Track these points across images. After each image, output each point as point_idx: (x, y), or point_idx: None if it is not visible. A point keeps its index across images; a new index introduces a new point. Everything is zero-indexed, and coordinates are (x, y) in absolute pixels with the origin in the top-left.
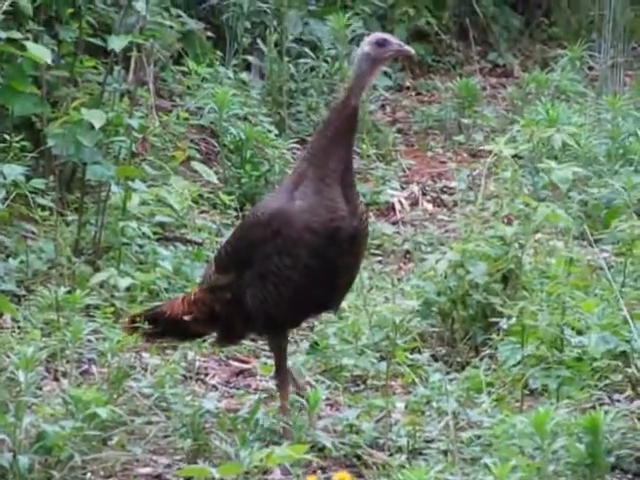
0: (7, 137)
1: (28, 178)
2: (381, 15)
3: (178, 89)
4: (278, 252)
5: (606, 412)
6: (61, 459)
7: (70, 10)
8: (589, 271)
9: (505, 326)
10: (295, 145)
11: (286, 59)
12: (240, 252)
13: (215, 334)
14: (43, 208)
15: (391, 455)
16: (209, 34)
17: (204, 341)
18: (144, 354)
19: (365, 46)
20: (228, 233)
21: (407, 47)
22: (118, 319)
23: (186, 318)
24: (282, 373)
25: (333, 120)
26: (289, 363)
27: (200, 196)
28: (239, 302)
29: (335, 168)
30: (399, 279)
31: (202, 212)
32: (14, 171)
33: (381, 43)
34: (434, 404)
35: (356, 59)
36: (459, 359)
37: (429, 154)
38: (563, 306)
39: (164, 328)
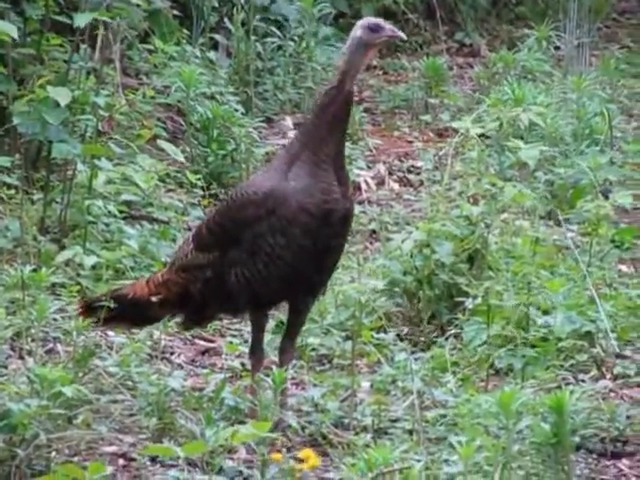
0: None
1: None
2: None
3: (145, 67)
4: (272, 231)
5: (571, 392)
6: (26, 437)
7: None
8: (555, 251)
9: (471, 306)
10: (261, 124)
11: (253, 38)
12: (228, 230)
13: (181, 316)
14: (9, 186)
15: (356, 434)
16: (176, 12)
17: (169, 320)
18: (109, 333)
19: (357, 30)
20: (195, 212)
21: (399, 32)
22: (84, 297)
23: (154, 299)
24: (258, 352)
25: (328, 104)
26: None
27: (166, 175)
28: (221, 280)
29: (329, 152)
30: (365, 258)
31: (168, 191)
32: None
33: (373, 28)
34: (399, 383)
35: (348, 43)
36: (424, 339)
37: (396, 134)
38: (529, 286)
39: (123, 311)
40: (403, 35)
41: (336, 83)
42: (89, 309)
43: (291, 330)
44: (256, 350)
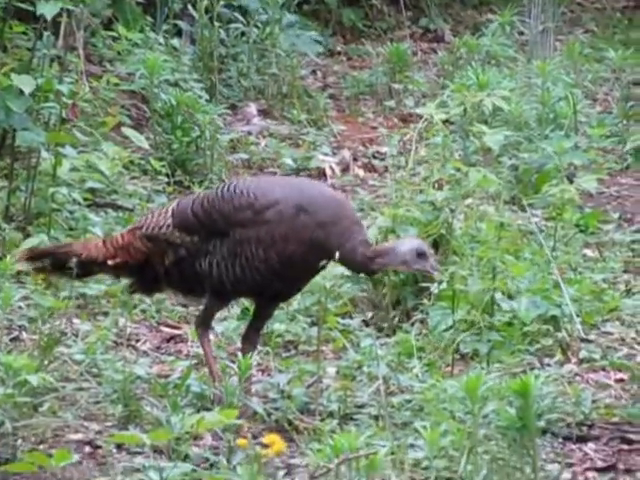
0: None
1: None
2: None
3: (108, 55)
4: (257, 241)
5: (536, 376)
6: None
7: None
8: (519, 236)
9: (436, 291)
10: (226, 111)
11: (217, 24)
12: (215, 221)
13: (130, 280)
14: None
15: (322, 420)
16: (139, 0)
17: (135, 307)
18: (75, 320)
19: (406, 248)
20: (160, 199)
21: (437, 271)
22: (49, 286)
23: (110, 263)
24: (207, 324)
25: (352, 256)
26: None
27: (131, 162)
28: (193, 264)
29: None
30: None
31: (133, 178)
32: None
33: (421, 255)
34: (365, 369)
35: (393, 246)
36: (390, 324)
37: (360, 119)
38: (494, 271)
39: (65, 267)
40: (439, 276)
41: (367, 257)
42: (31, 260)
43: (257, 322)
44: (205, 322)
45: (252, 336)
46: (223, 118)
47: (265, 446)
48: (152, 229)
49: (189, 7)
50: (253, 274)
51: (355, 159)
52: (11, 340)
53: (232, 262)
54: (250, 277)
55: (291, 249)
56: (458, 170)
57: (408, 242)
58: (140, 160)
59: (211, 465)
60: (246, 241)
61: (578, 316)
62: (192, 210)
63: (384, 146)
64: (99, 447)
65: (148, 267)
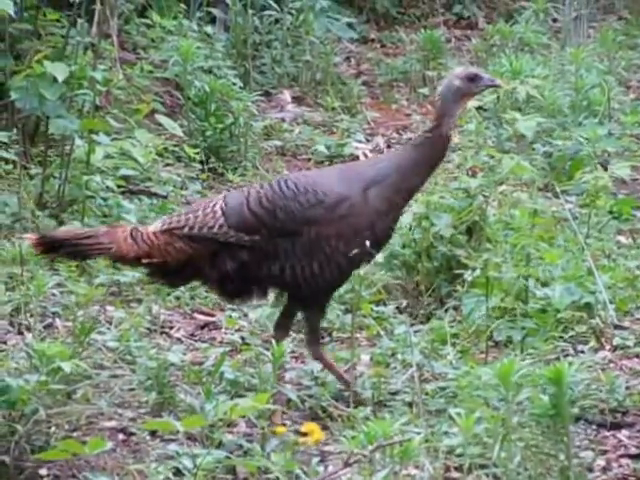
0: None
1: None
2: None
3: (142, 42)
4: (337, 236)
5: (570, 363)
6: (25, 413)
7: None
8: (553, 222)
9: (470, 278)
10: (260, 98)
11: (250, 11)
12: (284, 223)
13: (155, 274)
14: (7, 161)
15: (356, 407)
16: None
17: (169, 294)
18: (108, 307)
19: (455, 80)
20: (194, 186)
21: (497, 80)
22: (82, 273)
23: (145, 261)
24: (318, 343)
25: (427, 146)
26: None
27: (164, 149)
28: (258, 267)
29: (410, 188)
30: None
31: (166, 165)
32: None
33: (472, 78)
34: (399, 356)
35: (445, 90)
36: (424, 311)
37: (394, 106)
38: (527, 258)
39: (88, 255)
40: (502, 83)
41: (432, 127)
42: (45, 246)
43: (290, 309)
44: (316, 340)
45: (285, 323)
46: (257, 105)
47: (303, 434)
48: (199, 229)
49: None
50: (332, 270)
51: (389, 146)
52: (45, 327)
53: (308, 261)
54: (328, 275)
55: (380, 229)
56: (492, 157)
57: (452, 77)
58: (174, 147)
59: (245, 452)
60: (324, 238)
61: (612, 303)
62: (249, 209)
63: (418, 133)
64: (133, 434)
65: (189, 266)
